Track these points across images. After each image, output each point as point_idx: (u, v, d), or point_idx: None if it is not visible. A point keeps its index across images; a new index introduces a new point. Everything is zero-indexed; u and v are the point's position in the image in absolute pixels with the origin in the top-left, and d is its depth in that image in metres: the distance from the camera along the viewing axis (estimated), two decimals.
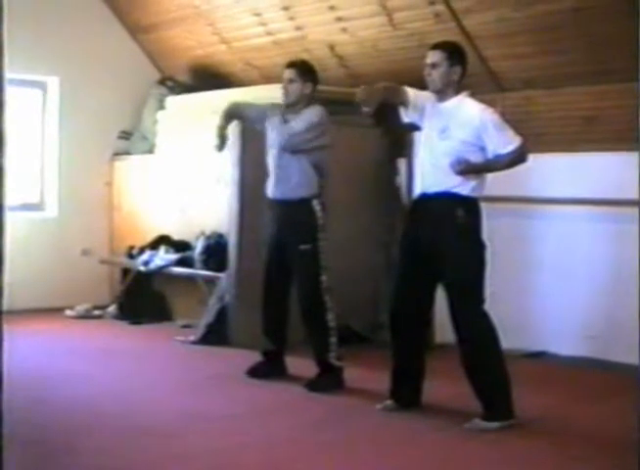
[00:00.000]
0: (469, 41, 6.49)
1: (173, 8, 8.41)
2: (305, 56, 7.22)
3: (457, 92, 4.92)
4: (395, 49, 7.09)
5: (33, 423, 4.66)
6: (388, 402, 5.12)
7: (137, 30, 9.05)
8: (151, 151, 8.76)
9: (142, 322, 8.00)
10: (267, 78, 7.98)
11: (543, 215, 6.89)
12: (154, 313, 8.15)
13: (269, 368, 5.93)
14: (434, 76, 4.88)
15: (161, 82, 8.96)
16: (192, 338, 7.11)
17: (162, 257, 7.88)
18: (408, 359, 5.08)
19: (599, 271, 6.58)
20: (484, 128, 4.78)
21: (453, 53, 4.93)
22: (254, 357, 5.98)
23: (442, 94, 4.92)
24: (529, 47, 6.38)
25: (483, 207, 4.95)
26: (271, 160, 5.80)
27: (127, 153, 9.01)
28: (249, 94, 7.61)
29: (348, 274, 6.96)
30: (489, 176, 4.96)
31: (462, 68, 4.92)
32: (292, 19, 7.50)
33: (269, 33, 7.84)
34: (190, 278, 7.71)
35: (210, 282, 7.39)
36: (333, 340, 5.67)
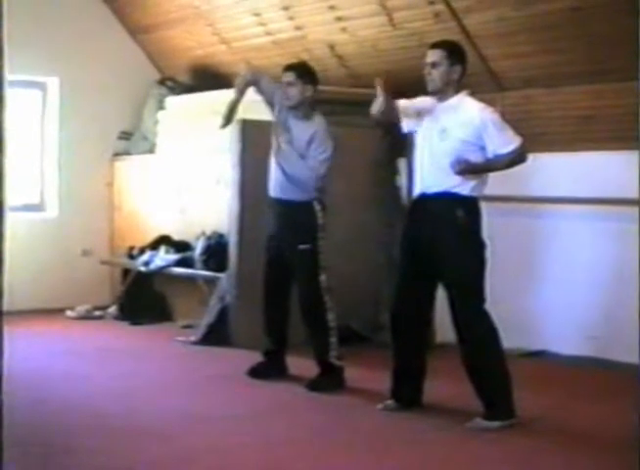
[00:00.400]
0: (469, 40, 6.49)
1: (173, 8, 8.41)
2: (305, 56, 7.23)
3: (457, 91, 4.92)
4: (395, 49, 7.09)
5: (33, 423, 4.66)
6: (389, 402, 5.12)
7: (137, 31, 9.06)
8: (151, 151, 8.77)
9: (142, 323, 8.00)
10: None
11: (543, 215, 6.89)
12: (154, 314, 8.15)
13: (270, 368, 5.93)
14: (434, 76, 4.88)
15: (161, 82, 8.96)
16: (192, 338, 7.11)
17: (163, 257, 7.88)
18: (409, 359, 5.08)
19: (599, 270, 6.58)
20: (485, 128, 4.78)
21: (453, 52, 4.93)
22: (255, 358, 5.98)
23: (442, 93, 4.92)
24: (529, 46, 6.37)
25: (483, 206, 4.96)
26: (273, 158, 5.79)
27: (127, 153, 9.01)
28: (249, 94, 7.62)
29: (349, 274, 6.96)
30: (490, 176, 4.96)
31: (462, 67, 4.92)
32: (291, 18, 7.50)
33: (269, 33, 7.84)
34: (190, 278, 7.71)
35: (211, 282, 7.39)
36: (333, 340, 5.67)
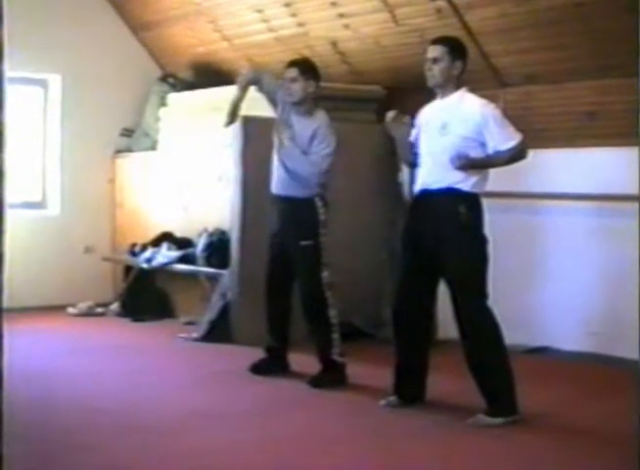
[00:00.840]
0: (470, 37, 6.49)
1: (175, 5, 8.41)
2: (307, 52, 7.22)
3: (457, 87, 4.92)
4: (397, 45, 7.08)
5: (35, 421, 4.66)
6: (392, 398, 5.12)
7: (139, 28, 9.05)
8: (153, 148, 8.76)
9: (144, 319, 8.00)
10: None
11: (544, 211, 6.88)
12: (156, 310, 8.15)
13: (272, 365, 5.94)
14: (435, 71, 4.87)
15: (163, 79, 8.95)
16: (194, 335, 7.11)
17: (165, 254, 7.88)
18: (411, 355, 5.08)
19: (601, 266, 6.58)
20: (485, 124, 4.78)
21: (454, 48, 4.93)
22: (257, 354, 5.98)
23: (442, 89, 4.92)
24: (531, 42, 6.37)
25: (485, 202, 4.95)
26: (275, 155, 5.79)
27: (129, 150, 9.01)
28: (250, 91, 7.62)
29: (351, 270, 6.96)
30: (491, 172, 4.96)
31: (463, 63, 4.92)
32: (294, 15, 7.49)
33: (271, 30, 7.83)
34: (192, 275, 7.71)
35: (213, 279, 7.39)
36: (335, 336, 5.67)
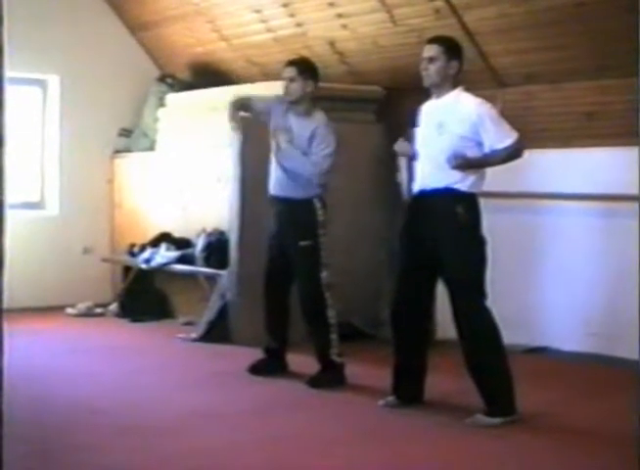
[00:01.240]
0: (469, 37, 6.49)
1: (173, 5, 8.41)
2: (306, 53, 7.22)
3: (453, 87, 4.92)
4: (396, 45, 7.08)
5: (34, 421, 4.66)
6: (391, 398, 5.12)
7: (137, 28, 9.05)
8: (151, 148, 8.76)
9: (143, 320, 8.00)
10: (268, 75, 7.98)
11: (544, 211, 6.88)
12: (155, 311, 8.15)
13: (271, 365, 5.94)
14: (431, 71, 4.88)
15: (161, 80, 8.95)
16: (193, 335, 7.11)
17: (164, 254, 7.87)
18: (410, 355, 5.08)
19: (600, 266, 6.58)
20: (481, 122, 4.78)
21: (450, 47, 4.93)
22: (256, 355, 5.98)
23: (438, 89, 4.92)
24: (530, 42, 6.36)
25: (483, 202, 4.95)
26: (273, 157, 5.80)
27: (128, 150, 9.00)
28: (249, 91, 7.62)
29: (350, 271, 6.96)
30: (489, 172, 4.96)
31: (459, 62, 4.92)
32: (292, 15, 7.49)
33: (269, 30, 7.83)
34: (191, 276, 7.71)
35: (212, 279, 7.39)
36: (334, 336, 5.67)
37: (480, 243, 4.88)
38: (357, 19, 7.11)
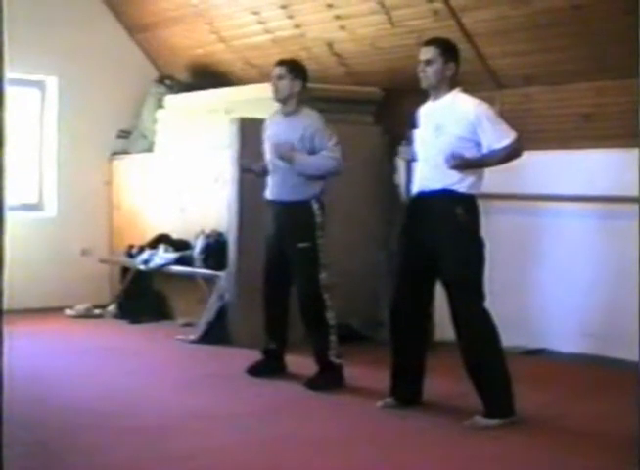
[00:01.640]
0: (467, 39, 6.49)
1: (171, 7, 8.41)
2: (304, 54, 7.23)
3: (451, 88, 4.92)
4: (394, 47, 7.08)
5: (33, 422, 4.66)
6: (389, 400, 5.12)
7: (135, 29, 9.05)
8: (150, 150, 8.76)
9: (142, 321, 8.00)
10: (266, 77, 7.91)
11: (542, 213, 6.89)
12: (153, 312, 8.15)
13: (269, 367, 5.94)
14: (428, 73, 4.88)
15: (160, 81, 8.95)
16: (192, 337, 7.11)
17: (162, 255, 7.87)
18: (408, 357, 5.08)
19: (598, 268, 6.58)
20: (479, 123, 4.78)
21: (447, 49, 4.94)
22: (254, 356, 5.98)
23: (436, 90, 4.93)
24: (528, 44, 6.37)
25: (482, 204, 4.96)
26: (270, 162, 5.81)
27: (126, 152, 9.00)
28: (247, 93, 7.63)
29: (348, 272, 6.96)
30: (487, 173, 4.96)
31: (456, 64, 4.93)
32: (290, 17, 7.49)
33: (268, 32, 7.83)
34: (190, 277, 7.71)
35: (210, 281, 7.39)
36: (332, 338, 5.67)
37: (478, 244, 4.88)
38: (356, 20, 7.11)
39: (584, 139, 6.50)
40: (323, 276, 5.66)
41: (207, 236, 7.59)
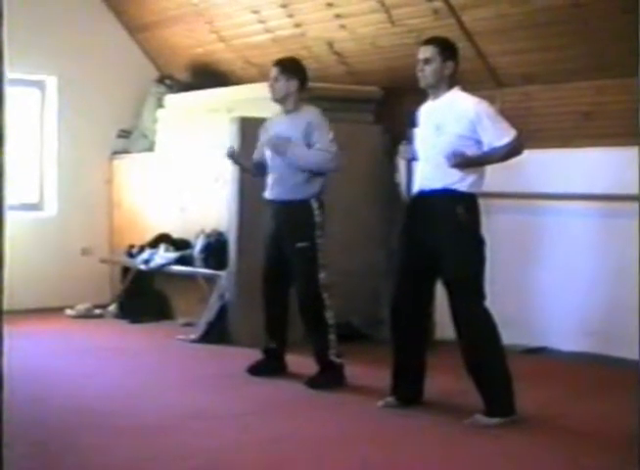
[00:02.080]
0: (467, 37, 6.49)
1: (172, 6, 8.41)
2: (304, 53, 7.23)
3: (450, 87, 4.92)
4: (394, 46, 7.09)
5: (34, 422, 4.66)
6: (390, 399, 5.11)
7: (135, 29, 9.05)
8: (150, 149, 8.76)
9: (142, 321, 8.00)
10: (266, 76, 7.89)
11: (542, 211, 6.88)
12: (154, 312, 8.15)
13: (270, 366, 5.94)
14: (427, 72, 4.88)
15: (160, 81, 8.95)
16: (192, 336, 7.11)
17: (162, 255, 7.88)
18: (409, 355, 5.08)
19: (599, 266, 6.58)
20: (479, 121, 4.78)
21: (445, 48, 4.94)
22: (255, 355, 5.98)
23: (435, 90, 4.93)
24: (528, 43, 6.37)
25: (482, 203, 4.95)
26: (270, 162, 5.81)
27: (126, 151, 9.00)
28: (248, 92, 7.62)
29: (349, 271, 6.96)
30: (487, 172, 4.96)
31: (454, 63, 4.93)
32: (290, 16, 7.49)
33: (268, 31, 7.83)
34: (190, 276, 7.71)
35: (211, 280, 7.39)
36: (332, 337, 5.67)
37: (479, 243, 4.88)
38: (356, 19, 7.11)
39: (584, 138, 6.50)
40: (322, 276, 5.66)
41: (208, 235, 7.59)
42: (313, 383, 5.61)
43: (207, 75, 8.75)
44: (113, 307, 8.34)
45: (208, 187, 7.79)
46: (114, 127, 9.02)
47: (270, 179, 5.83)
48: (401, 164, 7.20)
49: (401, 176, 7.37)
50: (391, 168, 7.40)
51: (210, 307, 7.14)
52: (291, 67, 5.82)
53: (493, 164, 4.91)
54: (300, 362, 5.91)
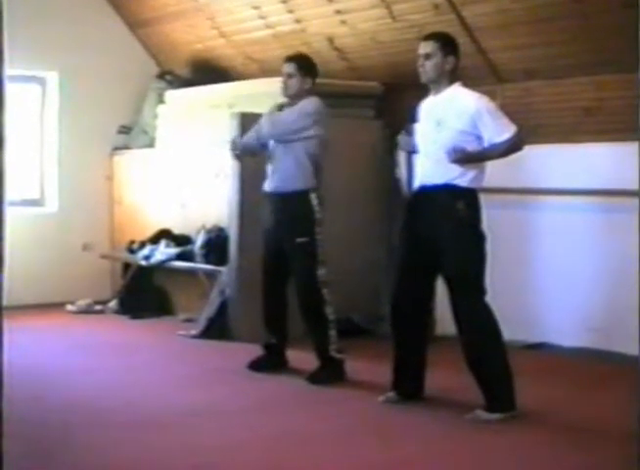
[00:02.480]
0: (468, 33, 6.49)
1: (172, 2, 8.40)
2: (305, 49, 7.22)
3: (451, 83, 4.92)
4: (395, 41, 7.08)
5: (34, 419, 4.66)
6: (391, 394, 5.12)
7: (136, 24, 9.04)
8: (151, 145, 8.76)
9: (143, 317, 8.00)
10: (267, 72, 7.96)
11: (543, 207, 6.88)
12: (155, 308, 8.15)
13: (271, 361, 5.94)
14: (428, 67, 4.88)
15: (161, 76, 8.94)
16: (193, 332, 7.12)
17: (163, 251, 7.87)
18: (409, 351, 5.08)
19: (599, 262, 6.58)
20: (480, 116, 4.78)
21: (446, 43, 4.93)
22: (256, 351, 5.99)
23: (436, 85, 4.93)
24: (529, 38, 6.36)
25: (483, 198, 4.95)
26: (270, 151, 5.82)
27: (127, 147, 9.00)
28: (248, 88, 7.62)
29: (349, 267, 6.97)
30: (488, 167, 4.95)
31: (455, 58, 4.92)
32: (291, 11, 7.49)
33: (269, 26, 7.82)
34: (191, 272, 7.71)
35: (211, 276, 7.39)
36: (332, 332, 5.67)
37: (479, 239, 4.88)
38: (356, 15, 7.11)
39: (585, 133, 6.50)
40: (321, 272, 5.66)
41: (208, 231, 7.59)
42: (314, 378, 5.61)
43: (208, 71, 8.74)
44: (113, 303, 8.34)
45: (209, 183, 7.79)
46: (115, 123, 9.02)
47: (269, 169, 5.83)
48: (402, 159, 7.21)
49: (402, 172, 7.37)
50: (392, 164, 7.40)
51: (211, 303, 7.14)
52: (307, 64, 5.82)
53: (494, 159, 4.91)
54: (301, 358, 5.92)
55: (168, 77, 8.89)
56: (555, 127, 6.67)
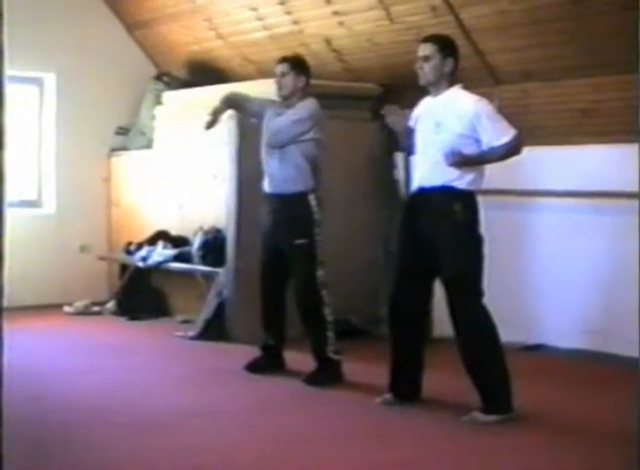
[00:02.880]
0: (466, 34, 6.49)
1: (170, 3, 8.40)
2: (302, 50, 7.22)
3: (450, 85, 4.92)
4: (392, 43, 7.08)
5: (33, 419, 4.66)
6: (388, 396, 5.12)
7: (134, 26, 9.05)
8: (148, 146, 8.76)
9: (140, 318, 8.00)
10: (264, 73, 7.97)
11: (540, 208, 6.89)
12: (152, 309, 8.15)
13: (268, 363, 5.94)
14: (427, 69, 4.88)
15: (158, 78, 8.94)
16: (191, 333, 7.11)
17: (161, 252, 7.87)
18: (407, 353, 5.08)
19: (598, 264, 6.58)
20: (478, 119, 4.78)
21: (445, 45, 4.93)
22: (253, 352, 5.99)
23: (435, 87, 4.93)
24: (526, 40, 6.37)
25: (481, 200, 4.95)
26: (264, 154, 5.82)
27: (125, 148, 9.00)
28: (246, 89, 7.61)
29: (347, 268, 6.97)
30: (487, 169, 4.95)
31: (454, 60, 4.92)
32: (288, 13, 7.49)
33: (266, 28, 7.83)
34: (188, 274, 7.70)
35: (209, 277, 7.39)
36: (330, 334, 5.67)
37: (477, 241, 4.88)
38: (354, 16, 7.11)
39: (583, 135, 6.50)
40: (320, 273, 5.66)
41: (206, 233, 7.59)
42: (311, 380, 5.61)
43: (205, 72, 8.74)
44: (111, 304, 8.34)
45: (207, 184, 7.79)
46: (112, 124, 9.02)
47: (266, 171, 5.84)
48: (399, 160, 7.23)
49: (400, 173, 7.39)
50: (390, 165, 7.42)
51: (208, 304, 7.14)
52: (299, 63, 5.84)
53: (492, 163, 4.91)
54: (299, 359, 5.92)
55: (166, 79, 8.90)
56: (553, 129, 6.68)
